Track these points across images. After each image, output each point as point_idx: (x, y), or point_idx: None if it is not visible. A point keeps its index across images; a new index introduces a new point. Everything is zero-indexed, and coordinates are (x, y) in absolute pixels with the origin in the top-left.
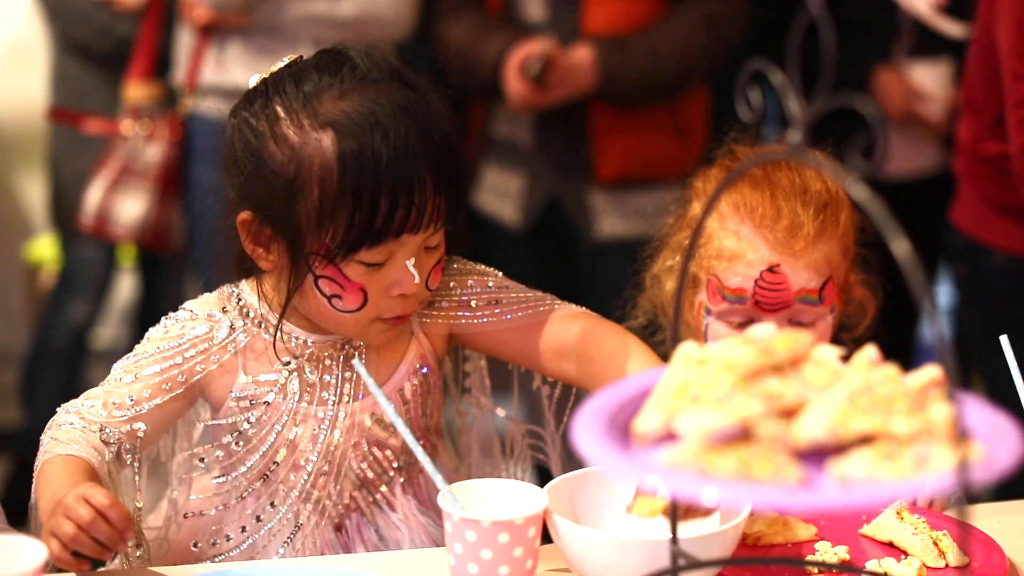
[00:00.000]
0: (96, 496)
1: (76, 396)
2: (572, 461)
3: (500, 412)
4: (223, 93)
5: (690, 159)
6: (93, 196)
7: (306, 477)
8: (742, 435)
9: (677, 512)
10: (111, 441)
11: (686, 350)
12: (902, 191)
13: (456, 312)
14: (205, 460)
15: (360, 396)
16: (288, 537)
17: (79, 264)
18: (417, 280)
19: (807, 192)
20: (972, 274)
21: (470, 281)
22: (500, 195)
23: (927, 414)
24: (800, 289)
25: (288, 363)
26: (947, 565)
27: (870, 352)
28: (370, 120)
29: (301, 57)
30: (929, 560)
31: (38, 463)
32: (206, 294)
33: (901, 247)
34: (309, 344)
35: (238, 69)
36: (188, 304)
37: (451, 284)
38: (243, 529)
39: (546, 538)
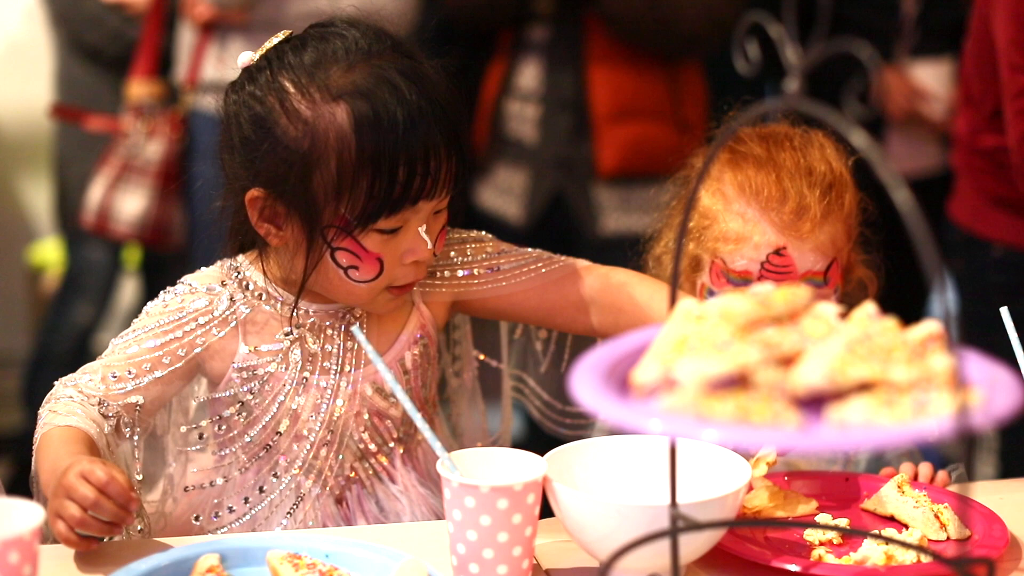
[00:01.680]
0: (95, 472)
1: None
2: (564, 402)
3: (492, 362)
4: (224, 90)
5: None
6: (95, 193)
7: (308, 447)
8: (740, 382)
9: (675, 475)
10: (110, 415)
11: (685, 306)
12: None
13: (460, 281)
14: (204, 435)
15: (362, 365)
16: (290, 509)
17: (84, 266)
18: (430, 246)
19: (812, 173)
20: (970, 267)
21: (468, 249)
22: (503, 192)
23: (926, 363)
24: (806, 272)
25: (289, 333)
26: (948, 538)
27: (869, 308)
28: (383, 90)
29: (292, 33)
30: (931, 533)
31: (37, 435)
32: (204, 268)
33: (902, 196)
34: (311, 314)
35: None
36: (187, 278)
37: (450, 253)
38: (245, 500)
39: (546, 512)
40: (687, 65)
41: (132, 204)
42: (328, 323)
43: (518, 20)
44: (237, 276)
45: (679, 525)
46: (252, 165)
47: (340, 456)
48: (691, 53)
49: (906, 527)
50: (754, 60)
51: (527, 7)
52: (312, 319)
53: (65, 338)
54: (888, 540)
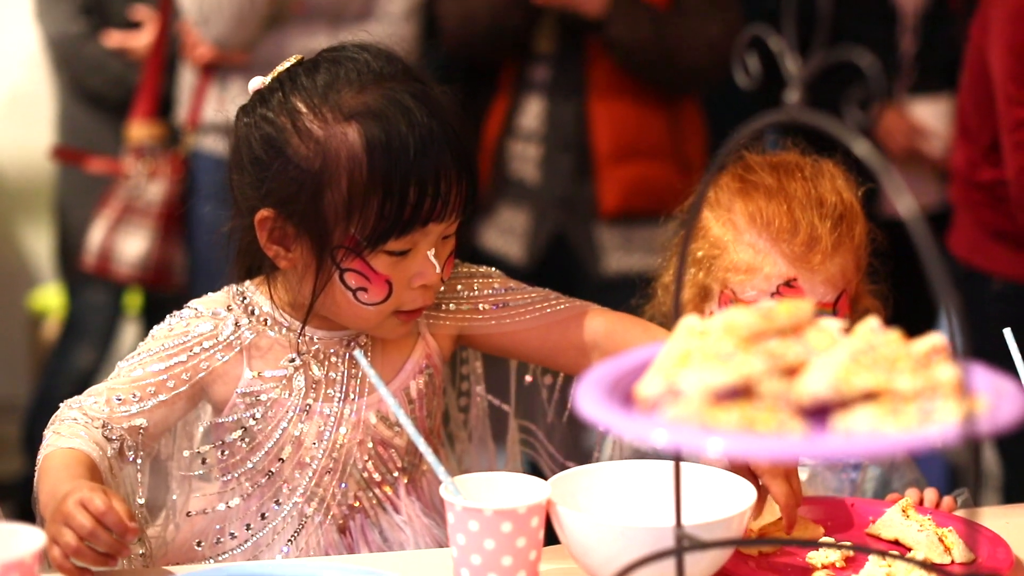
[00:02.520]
0: (94, 501)
1: None
2: (567, 456)
3: (502, 405)
4: (225, 131)
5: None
6: (96, 235)
7: (311, 475)
8: (744, 393)
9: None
10: (113, 437)
11: (688, 322)
12: (905, 228)
13: (466, 315)
14: (207, 460)
15: (366, 393)
16: (292, 536)
17: (86, 310)
18: (438, 270)
19: (823, 204)
20: (970, 301)
21: (476, 284)
22: (505, 232)
23: (931, 373)
24: (816, 303)
25: (293, 360)
26: (953, 561)
27: (872, 322)
28: (394, 111)
29: (304, 56)
30: (935, 556)
31: (40, 455)
32: (211, 294)
33: (906, 205)
34: (316, 340)
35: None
36: (192, 303)
37: (457, 287)
38: (247, 527)
39: (551, 539)
40: (687, 104)
41: (133, 245)
42: (332, 350)
43: (519, 58)
44: (243, 301)
45: (684, 544)
46: (262, 185)
47: (344, 484)
48: (691, 87)
49: (910, 551)
50: (754, 74)
51: (527, 44)
52: (317, 346)
53: (66, 382)
54: (895, 557)
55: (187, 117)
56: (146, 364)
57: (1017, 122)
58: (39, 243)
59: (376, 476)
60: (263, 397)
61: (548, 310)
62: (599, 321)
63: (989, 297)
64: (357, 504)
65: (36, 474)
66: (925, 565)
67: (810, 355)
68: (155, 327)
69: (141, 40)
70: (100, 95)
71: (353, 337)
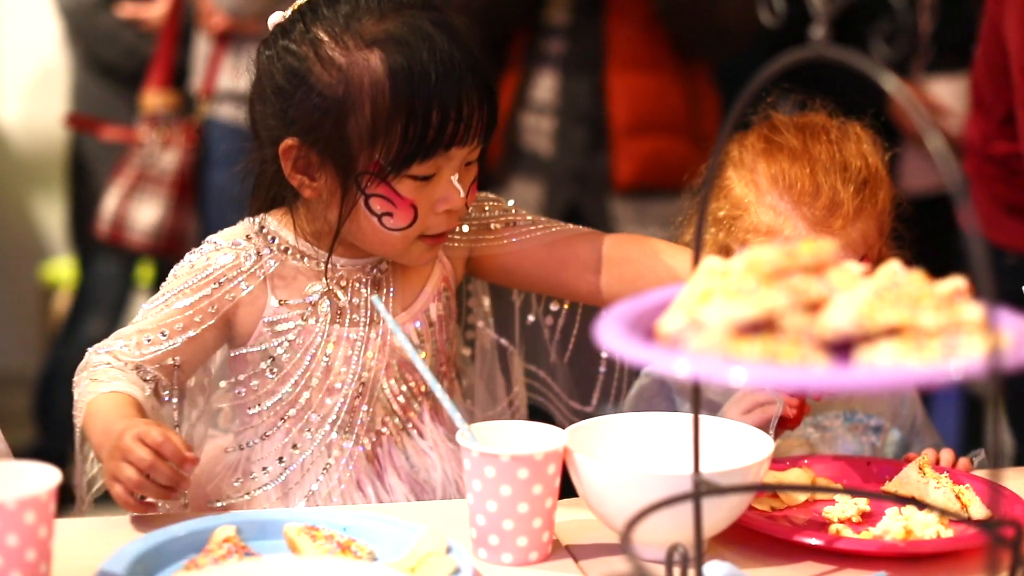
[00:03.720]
0: (151, 434)
1: None
2: (571, 395)
3: (505, 343)
4: (240, 99)
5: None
6: (109, 203)
7: (341, 401)
8: (767, 327)
9: (699, 440)
10: (148, 379)
11: (709, 262)
12: (922, 207)
13: (477, 235)
14: (243, 390)
15: (391, 315)
16: (324, 467)
17: (98, 280)
18: (462, 195)
19: (847, 168)
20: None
21: (486, 206)
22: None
23: (955, 311)
24: None
25: (317, 288)
26: (970, 518)
27: (894, 265)
28: (415, 37)
29: None
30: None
31: (80, 403)
32: (228, 228)
33: (935, 142)
34: (339, 268)
35: None
36: (211, 237)
37: (469, 209)
38: (280, 460)
39: (566, 493)
40: (701, 79)
41: (147, 214)
42: (356, 277)
43: (531, 31)
44: (262, 230)
45: (701, 489)
46: (286, 114)
47: (371, 409)
48: (719, 48)
49: (924, 508)
50: (779, 11)
51: (539, 16)
52: (340, 272)
53: (77, 353)
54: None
55: (201, 86)
56: (171, 302)
57: None
58: (51, 216)
59: (401, 399)
60: (290, 325)
61: (555, 228)
62: (607, 240)
63: (1004, 271)
64: (384, 430)
65: (79, 419)
66: (947, 512)
67: (832, 292)
68: (175, 266)
69: (154, 11)
70: (113, 66)
71: (376, 264)
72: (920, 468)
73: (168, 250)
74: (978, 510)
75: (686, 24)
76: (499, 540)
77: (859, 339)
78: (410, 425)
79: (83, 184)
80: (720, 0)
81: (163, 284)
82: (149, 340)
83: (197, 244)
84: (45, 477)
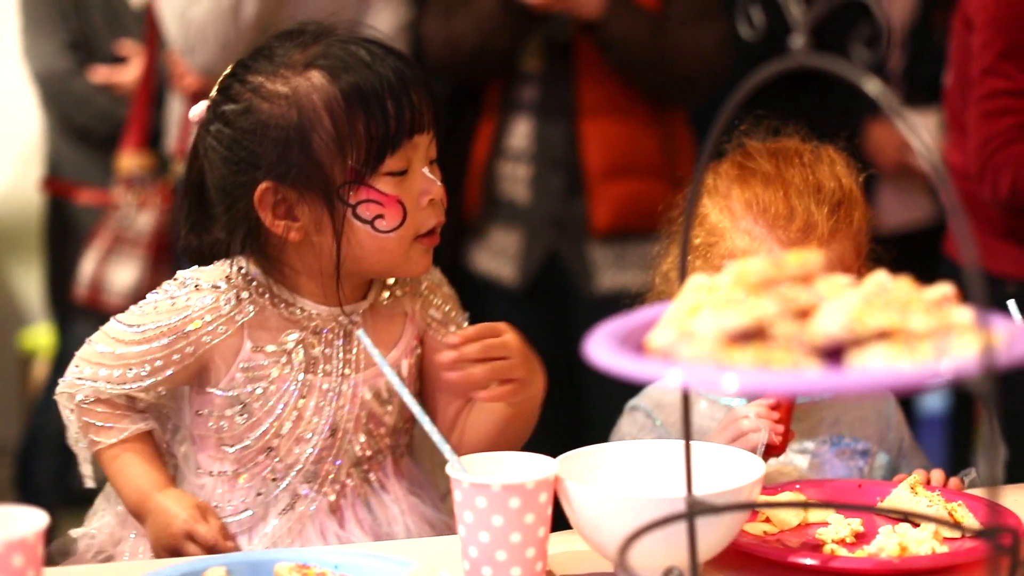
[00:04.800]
0: (199, 531)
1: (72, 482)
2: None
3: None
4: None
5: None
6: (87, 267)
7: (310, 451)
8: (758, 335)
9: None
10: (142, 408)
11: (695, 280)
12: (900, 242)
13: (442, 324)
14: (206, 430)
15: (361, 369)
16: (285, 511)
17: (76, 346)
18: (439, 183)
19: (821, 191)
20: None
21: (447, 308)
22: (497, 254)
23: (945, 314)
24: None
25: (293, 335)
26: (963, 536)
27: (881, 274)
28: (345, 49)
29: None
30: (944, 530)
31: (87, 451)
32: (201, 267)
33: (918, 142)
34: (313, 316)
35: None
36: (189, 276)
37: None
38: (242, 503)
39: (559, 526)
40: (677, 122)
41: (124, 275)
42: (329, 327)
43: (506, 79)
44: (240, 272)
45: (695, 509)
46: (251, 162)
47: (338, 461)
48: (684, 96)
49: (918, 527)
50: (758, 24)
51: (514, 64)
52: (315, 322)
53: (56, 421)
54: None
55: (176, 146)
56: (151, 337)
57: (992, 92)
58: (29, 283)
59: (369, 453)
60: (264, 372)
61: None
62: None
63: (1006, 301)
64: (349, 481)
65: (105, 468)
66: (942, 522)
67: (821, 300)
68: (154, 297)
69: (128, 75)
70: (88, 130)
71: (350, 313)
72: (912, 488)
73: None
74: (971, 528)
75: (644, 77)
76: (492, 571)
77: (850, 344)
78: (373, 478)
79: (60, 250)
80: (677, 50)
81: (138, 310)
82: (132, 374)
83: None
84: (31, 520)
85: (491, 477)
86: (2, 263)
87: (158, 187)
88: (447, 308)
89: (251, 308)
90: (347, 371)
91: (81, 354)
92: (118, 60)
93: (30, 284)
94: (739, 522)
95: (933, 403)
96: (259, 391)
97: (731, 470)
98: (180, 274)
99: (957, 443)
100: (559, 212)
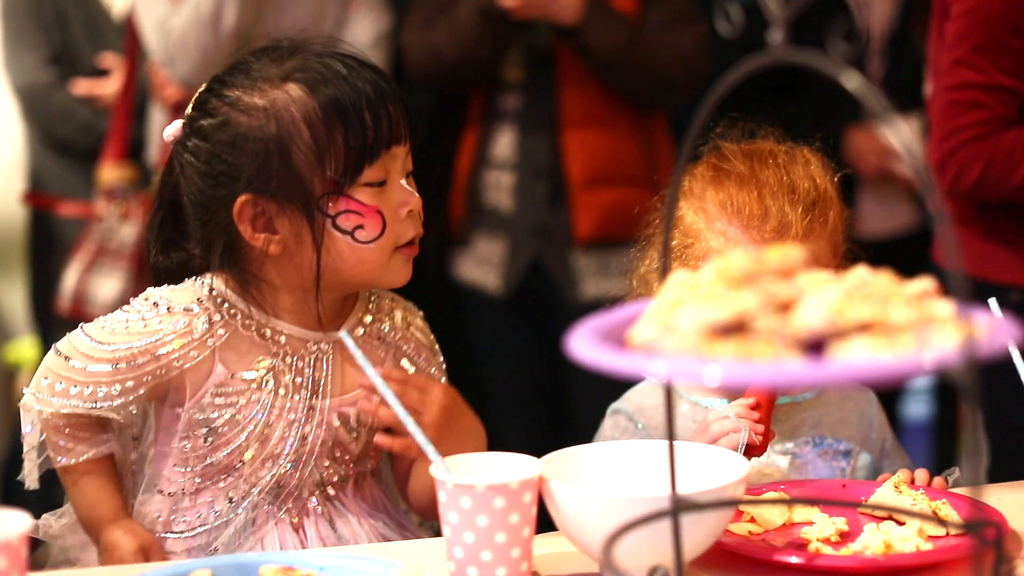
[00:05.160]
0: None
1: (56, 495)
2: None
3: None
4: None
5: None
6: (69, 279)
7: (273, 472)
8: (739, 329)
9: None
10: (106, 428)
11: (677, 276)
12: (879, 250)
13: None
14: (170, 446)
15: (329, 395)
16: (243, 528)
17: None
18: (416, 195)
19: (795, 191)
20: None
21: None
22: (482, 262)
23: (926, 307)
24: None
25: (264, 360)
26: (948, 533)
27: (861, 270)
28: (320, 63)
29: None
30: (929, 528)
31: (57, 463)
32: (172, 286)
33: (899, 135)
34: (285, 341)
35: None
36: (162, 294)
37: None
38: (198, 516)
39: (543, 528)
40: (658, 130)
41: (108, 287)
42: (300, 353)
43: (489, 88)
44: (211, 293)
45: (679, 507)
46: (230, 175)
47: (300, 484)
48: (663, 101)
49: (903, 525)
50: (736, 22)
51: (496, 73)
52: (285, 346)
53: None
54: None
55: (158, 158)
56: (120, 356)
57: (962, 83)
58: (12, 297)
59: (334, 477)
60: (234, 399)
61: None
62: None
63: (1009, 310)
64: (313, 502)
65: (65, 484)
66: (925, 517)
67: (802, 294)
68: (124, 316)
69: (109, 87)
70: (70, 143)
71: (320, 339)
72: (896, 487)
73: None
74: (956, 526)
75: (623, 82)
76: (478, 572)
77: (831, 337)
78: (336, 500)
79: (44, 263)
80: (656, 55)
81: (109, 325)
82: (103, 392)
83: None
84: (15, 522)
85: (475, 477)
86: None
87: (141, 199)
88: (419, 358)
89: (222, 332)
90: (316, 398)
91: (49, 365)
92: (100, 73)
93: (14, 297)
94: (724, 521)
95: (917, 410)
96: (227, 415)
97: (715, 470)
98: (151, 292)
99: (942, 449)
100: (543, 220)
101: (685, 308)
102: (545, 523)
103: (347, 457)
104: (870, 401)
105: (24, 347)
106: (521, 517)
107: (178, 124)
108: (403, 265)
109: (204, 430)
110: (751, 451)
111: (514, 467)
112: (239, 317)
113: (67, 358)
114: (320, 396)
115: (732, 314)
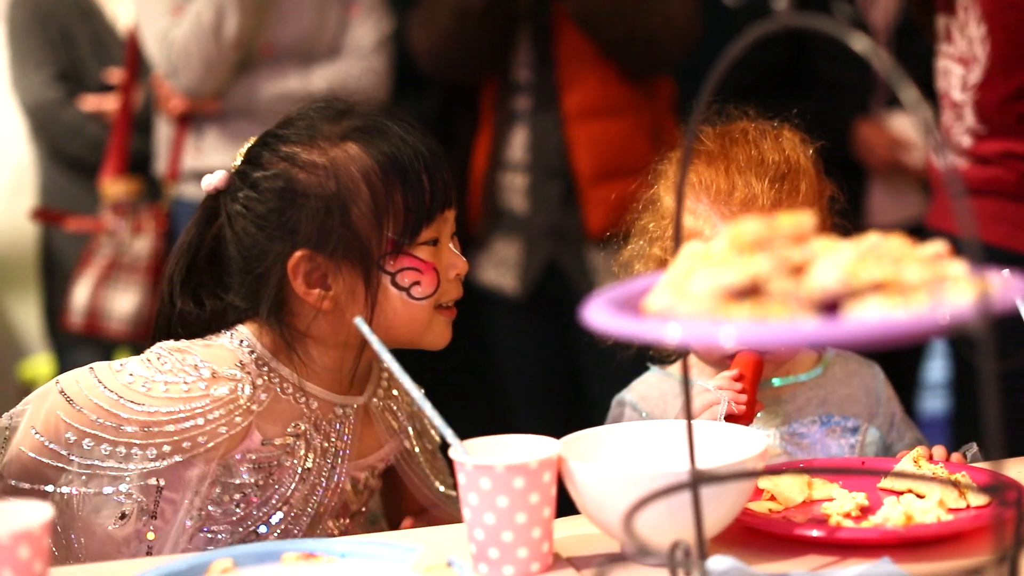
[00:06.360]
0: None
1: None
2: None
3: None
4: (213, 204)
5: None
6: (80, 294)
7: (284, 528)
8: (754, 292)
9: (694, 440)
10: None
11: (690, 247)
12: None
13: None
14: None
15: (347, 460)
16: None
17: None
18: (464, 259)
19: (763, 164)
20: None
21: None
22: (499, 264)
23: (939, 267)
24: None
25: (296, 426)
26: (968, 506)
27: (873, 235)
28: (376, 123)
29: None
30: (949, 500)
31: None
32: (212, 347)
33: (909, 95)
34: (315, 406)
35: (216, 153)
36: (200, 356)
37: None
38: (184, 550)
39: (563, 512)
40: (666, 119)
41: (124, 302)
42: (329, 417)
43: (499, 89)
44: (252, 356)
45: (698, 478)
46: (286, 230)
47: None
48: (652, 65)
49: (923, 498)
50: None
51: (504, 74)
52: (316, 412)
53: None
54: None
55: (167, 170)
56: (161, 422)
57: None
58: (28, 315)
59: (333, 534)
60: (269, 462)
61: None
62: None
63: None
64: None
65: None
66: (947, 482)
67: (815, 257)
68: (163, 379)
69: (117, 102)
70: (79, 159)
71: (346, 403)
72: (915, 461)
73: (147, 336)
74: (976, 498)
75: (610, 39)
76: (499, 553)
77: (846, 297)
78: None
79: (56, 279)
80: (644, 8)
81: (142, 385)
82: (138, 454)
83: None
84: (37, 513)
85: (494, 458)
86: (1, 295)
87: (152, 211)
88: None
89: (264, 396)
90: (337, 461)
91: (55, 407)
92: (107, 88)
93: (28, 315)
94: (743, 496)
95: (934, 404)
96: (261, 481)
97: (736, 446)
98: (187, 351)
99: (960, 442)
100: (556, 220)
101: (699, 274)
102: (565, 508)
103: (346, 515)
104: (876, 376)
105: (39, 364)
106: (541, 497)
107: (220, 174)
108: (444, 327)
109: (239, 495)
110: (734, 421)
111: (533, 448)
112: (277, 381)
113: (83, 409)
114: (341, 460)
115: (746, 277)
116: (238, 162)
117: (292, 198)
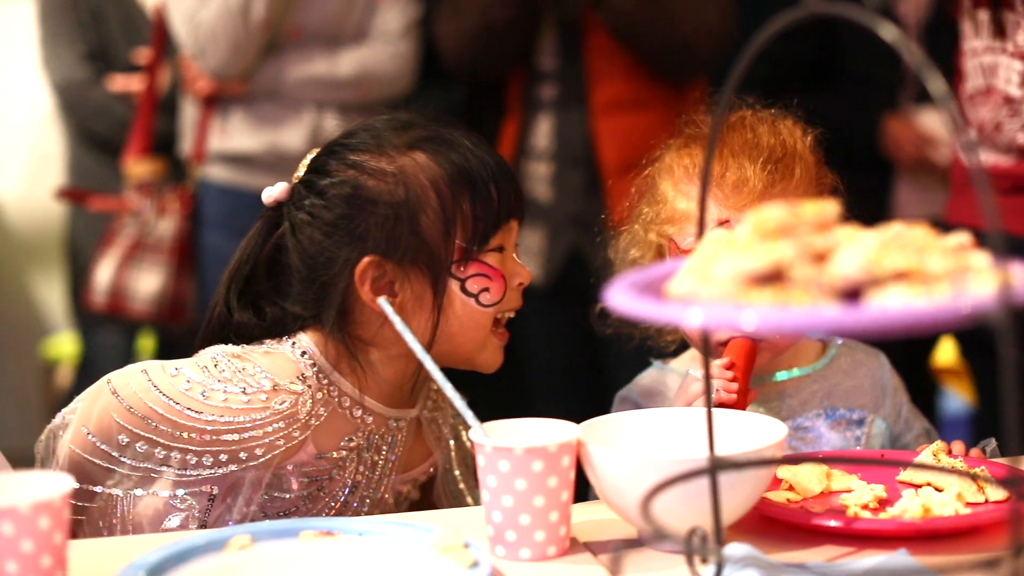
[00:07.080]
0: None
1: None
2: None
3: None
4: (229, 159)
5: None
6: (103, 274)
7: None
8: (776, 278)
9: (713, 426)
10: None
11: (713, 234)
12: None
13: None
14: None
15: (393, 473)
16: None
17: (99, 353)
18: (527, 270)
19: (758, 147)
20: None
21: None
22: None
23: (962, 257)
24: None
25: (350, 440)
26: (987, 500)
27: (897, 225)
28: (442, 133)
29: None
30: (968, 495)
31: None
32: (270, 355)
33: (937, 87)
34: (370, 420)
35: (242, 136)
36: (261, 366)
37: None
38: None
39: (581, 497)
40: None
41: (148, 282)
42: (382, 431)
43: (525, 77)
44: (314, 368)
45: (717, 464)
46: (354, 236)
47: None
48: (685, 71)
49: (942, 491)
50: None
51: (531, 62)
52: (370, 425)
53: None
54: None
55: (192, 151)
56: (220, 431)
57: None
58: (52, 292)
59: None
60: (321, 478)
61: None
62: None
63: None
64: None
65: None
66: (965, 474)
67: (838, 245)
68: (223, 387)
69: (144, 82)
70: (107, 139)
71: (399, 417)
72: (934, 454)
73: (170, 318)
74: (994, 493)
75: (643, 45)
76: (516, 536)
77: (868, 285)
78: None
79: (80, 258)
80: (677, 17)
81: (200, 393)
82: (194, 462)
83: (199, 310)
84: (57, 483)
85: (514, 440)
86: (25, 273)
87: (177, 192)
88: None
89: (323, 411)
90: (385, 473)
91: (108, 407)
92: (135, 69)
93: (53, 292)
94: (761, 484)
95: (955, 404)
96: (309, 493)
97: (755, 435)
98: (245, 358)
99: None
100: (580, 209)
101: (722, 259)
102: (583, 493)
103: None
104: (883, 365)
105: (63, 343)
106: (559, 481)
107: (282, 186)
108: (498, 350)
109: (292, 509)
110: (728, 408)
111: (552, 432)
112: (337, 395)
113: (146, 416)
114: (387, 474)
115: (769, 263)
116: (300, 173)
117: (361, 204)
